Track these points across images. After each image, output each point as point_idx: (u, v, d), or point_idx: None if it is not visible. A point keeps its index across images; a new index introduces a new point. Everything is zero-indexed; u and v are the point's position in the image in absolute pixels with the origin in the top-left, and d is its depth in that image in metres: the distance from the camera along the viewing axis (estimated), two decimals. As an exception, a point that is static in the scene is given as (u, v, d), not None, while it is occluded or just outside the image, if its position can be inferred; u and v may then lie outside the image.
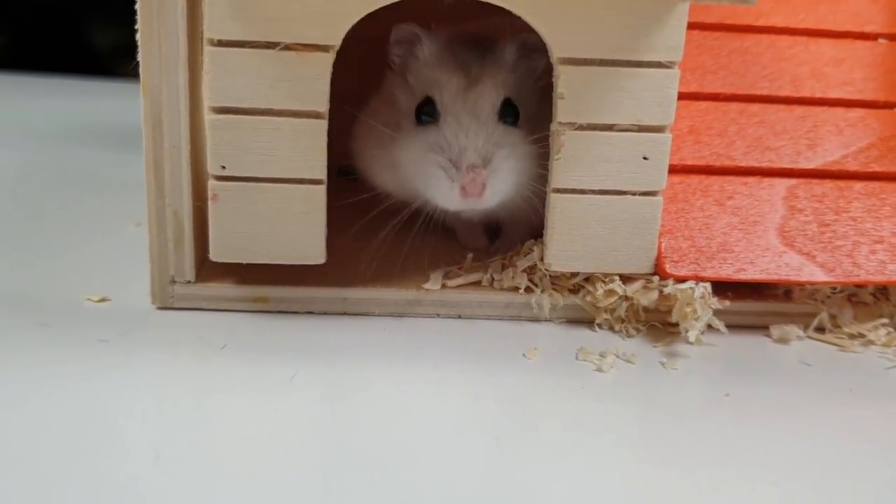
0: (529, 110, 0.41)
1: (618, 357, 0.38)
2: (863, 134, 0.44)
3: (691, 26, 0.45)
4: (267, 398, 0.33)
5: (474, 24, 0.44)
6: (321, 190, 0.38)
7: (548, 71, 0.40)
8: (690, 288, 0.39)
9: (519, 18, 0.38)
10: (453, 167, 0.38)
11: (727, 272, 0.40)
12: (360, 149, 0.45)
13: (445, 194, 0.39)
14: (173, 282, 0.40)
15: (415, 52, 0.42)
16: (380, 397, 0.34)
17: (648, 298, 0.40)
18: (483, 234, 0.46)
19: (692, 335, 0.39)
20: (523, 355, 0.38)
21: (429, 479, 0.29)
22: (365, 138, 0.44)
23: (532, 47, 0.41)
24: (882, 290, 0.43)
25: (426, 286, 0.41)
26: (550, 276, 0.41)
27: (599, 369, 0.37)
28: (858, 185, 0.43)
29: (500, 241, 0.45)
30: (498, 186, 0.39)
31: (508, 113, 0.40)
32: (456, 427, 0.32)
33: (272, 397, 0.33)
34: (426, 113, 0.41)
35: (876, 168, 0.43)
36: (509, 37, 0.41)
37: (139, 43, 0.37)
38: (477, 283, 0.42)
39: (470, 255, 0.43)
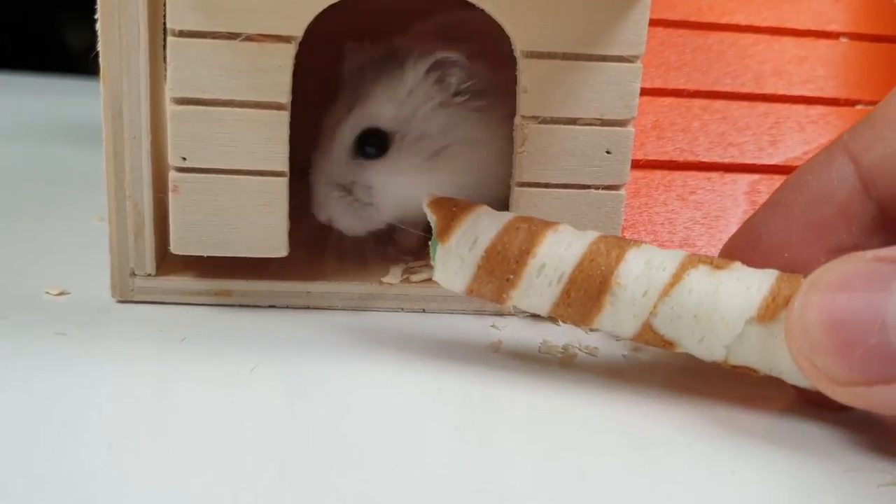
0: (430, 129, 0.41)
1: (580, 350, 0.38)
2: (824, 131, 0.45)
3: (656, 23, 0.46)
4: (225, 390, 0.33)
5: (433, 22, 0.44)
6: (283, 182, 0.38)
7: (470, 88, 0.40)
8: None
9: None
10: None
11: (689, 266, 0.40)
12: None
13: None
14: (133, 274, 0.39)
15: (343, 70, 0.42)
16: (340, 389, 0.34)
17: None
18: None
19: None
20: (486, 348, 0.38)
21: (388, 470, 0.29)
22: None
23: (448, 64, 0.40)
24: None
25: (385, 280, 0.41)
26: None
27: (562, 362, 0.37)
28: (819, 181, 0.43)
29: None
30: (342, 225, 0.42)
31: (372, 143, 0.41)
32: (417, 419, 0.32)
33: (231, 389, 0.33)
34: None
35: (837, 164, 0.43)
36: (423, 53, 0.41)
37: (99, 33, 0.37)
38: (441, 278, 0.42)
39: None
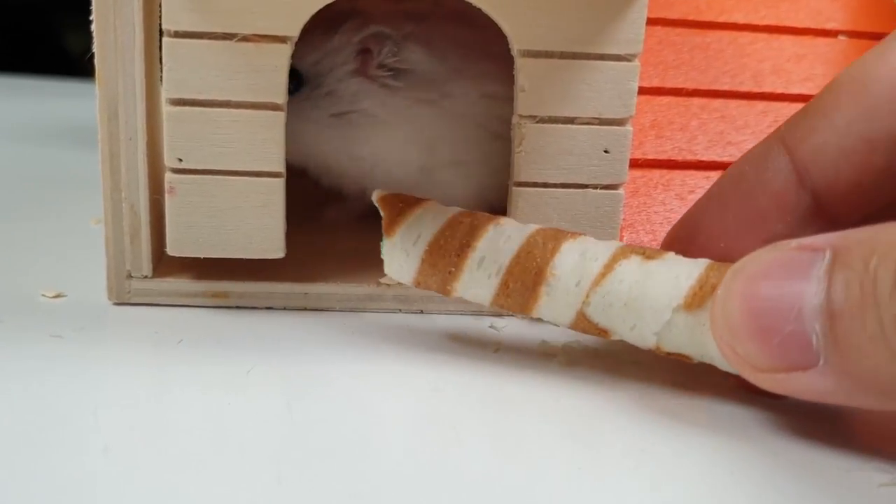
0: (337, 90, 0.42)
1: (580, 350, 0.38)
2: (823, 129, 0.44)
3: (654, 22, 0.45)
4: (221, 392, 0.33)
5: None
6: (280, 183, 0.38)
7: (396, 65, 0.41)
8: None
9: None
10: None
11: (688, 266, 0.40)
12: None
13: None
14: (130, 276, 0.39)
15: None
16: (337, 391, 0.34)
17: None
18: None
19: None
20: (485, 349, 0.38)
21: (385, 471, 0.29)
22: None
23: (381, 38, 0.41)
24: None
25: (383, 281, 0.40)
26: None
27: (561, 363, 0.37)
28: (819, 180, 0.43)
29: None
30: None
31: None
32: (415, 420, 0.32)
33: (227, 391, 0.33)
34: None
35: (836, 163, 0.43)
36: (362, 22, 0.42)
37: (94, 34, 0.36)
38: (439, 278, 0.41)
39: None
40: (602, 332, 0.33)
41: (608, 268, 0.33)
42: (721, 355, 0.31)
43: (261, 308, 0.40)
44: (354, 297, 0.40)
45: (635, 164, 0.41)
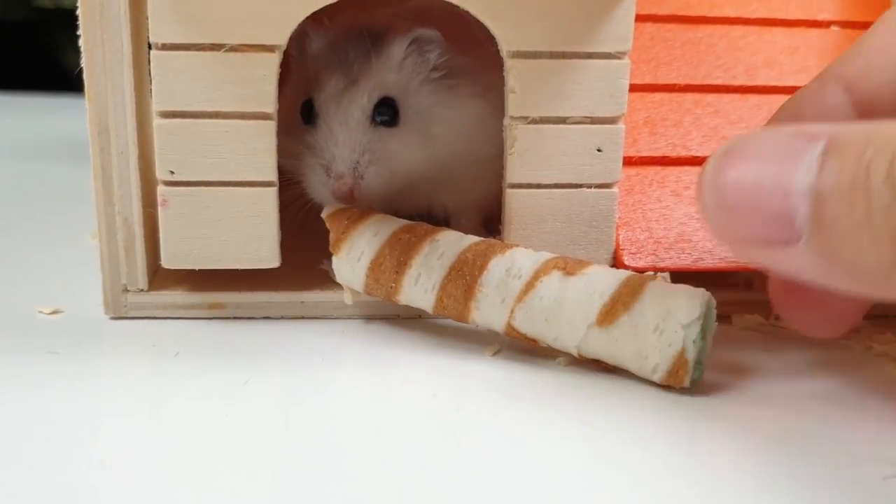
0: (421, 104, 0.41)
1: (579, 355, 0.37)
2: (818, 121, 0.44)
3: (645, 19, 0.45)
4: (219, 404, 0.33)
5: (379, 13, 0.44)
6: (272, 192, 0.38)
7: (444, 65, 0.41)
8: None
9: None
10: (325, 172, 0.40)
11: (686, 262, 0.39)
12: None
13: (321, 193, 0.40)
14: (126, 290, 0.39)
15: (305, 48, 0.42)
16: (334, 399, 0.34)
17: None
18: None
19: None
20: (483, 354, 0.37)
21: (383, 479, 0.29)
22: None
23: (426, 41, 0.41)
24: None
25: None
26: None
27: (560, 367, 0.36)
28: (815, 172, 0.43)
29: None
30: (365, 190, 0.40)
31: (384, 112, 0.40)
32: (413, 427, 0.32)
33: (224, 403, 0.33)
34: (308, 113, 0.41)
35: (832, 154, 0.43)
36: (403, 31, 0.41)
37: (82, 49, 0.36)
38: (436, 283, 0.41)
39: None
40: (531, 340, 0.36)
41: (529, 286, 0.35)
42: (638, 365, 0.34)
43: (257, 318, 0.40)
44: (351, 305, 0.40)
45: (630, 161, 0.41)
